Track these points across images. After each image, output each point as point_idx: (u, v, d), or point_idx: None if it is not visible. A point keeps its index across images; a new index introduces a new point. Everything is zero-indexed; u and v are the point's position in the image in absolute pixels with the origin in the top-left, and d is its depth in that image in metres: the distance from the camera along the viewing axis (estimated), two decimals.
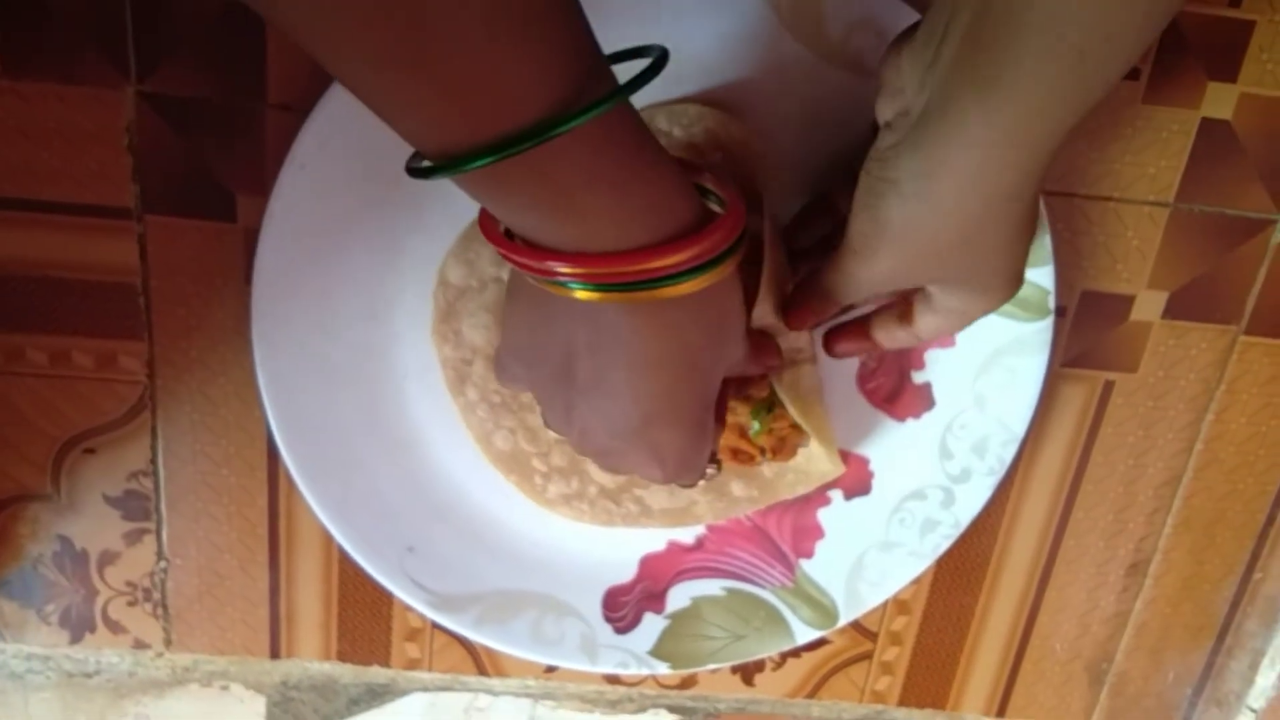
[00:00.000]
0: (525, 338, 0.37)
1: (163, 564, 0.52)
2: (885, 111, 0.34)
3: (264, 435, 0.49)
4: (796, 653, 0.56)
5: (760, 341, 0.41)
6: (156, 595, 0.52)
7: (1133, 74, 0.45)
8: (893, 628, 0.56)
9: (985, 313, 0.38)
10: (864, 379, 0.49)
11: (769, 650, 0.52)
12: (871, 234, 0.35)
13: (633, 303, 0.32)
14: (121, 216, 0.45)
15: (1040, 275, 0.46)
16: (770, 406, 0.44)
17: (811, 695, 0.57)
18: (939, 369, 0.49)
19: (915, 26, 0.33)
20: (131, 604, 0.52)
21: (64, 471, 0.49)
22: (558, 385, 0.36)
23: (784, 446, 0.45)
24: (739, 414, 0.44)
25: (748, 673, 0.56)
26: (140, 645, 0.53)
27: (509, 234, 0.32)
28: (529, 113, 0.26)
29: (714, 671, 0.56)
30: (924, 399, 0.49)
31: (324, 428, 0.47)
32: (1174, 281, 0.50)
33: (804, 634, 0.51)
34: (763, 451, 0.45)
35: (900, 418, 0.50)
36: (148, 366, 0.48)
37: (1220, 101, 0.46)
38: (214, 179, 0.45)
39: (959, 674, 0.57)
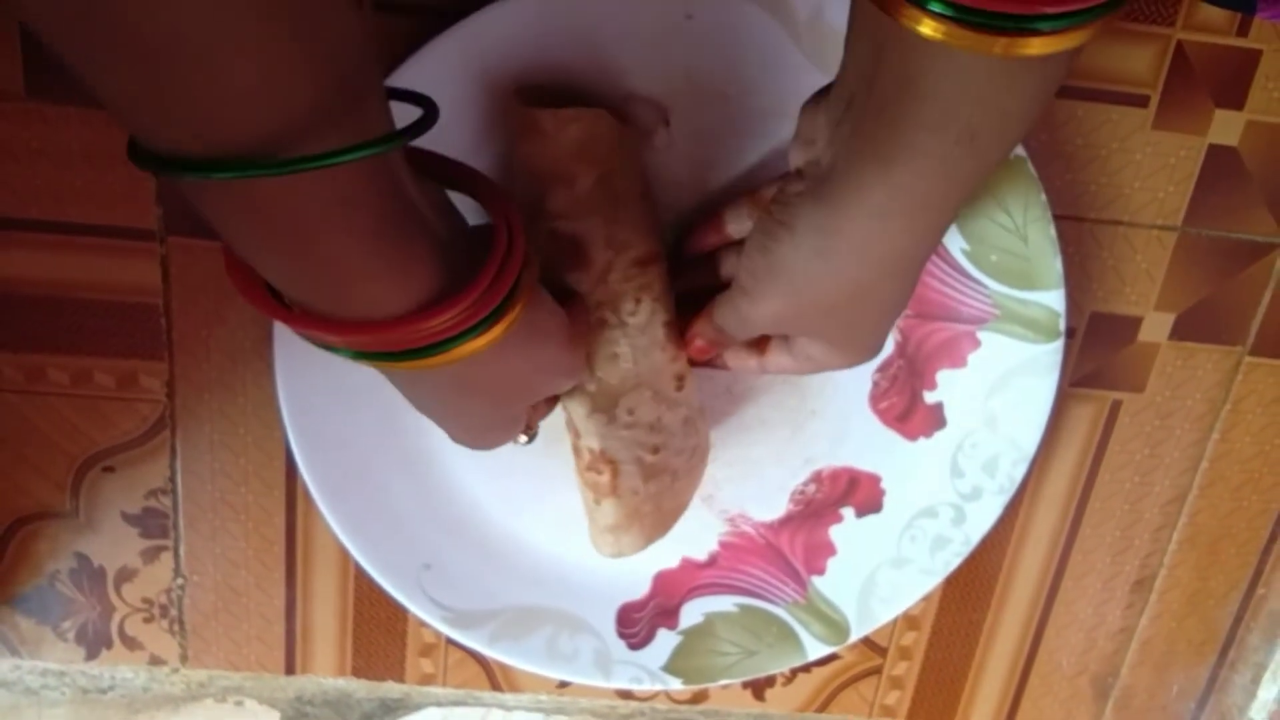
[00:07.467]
0: None
1: (180, 581, 0.52)
2: (797, 159, 0.35)
3: (282, 454, 0.50)
4: (807, 668, 0.56)
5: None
6: (173, 612, 0.53)
7: (1142, 101, 0.46)
8: (902, 643, 0.56)
9: (836, 369, 0.40)
10: (876, 399, 0.50)
11: (781, 666, 0.52)
12: (763, 275, 0.36)
13: (416, 370, 0.30)
14: (144, 238, 0.45)
15: (1052, 299, 0.46)
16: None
17: (821, 709, 0.58)
18: (951, 389, 0.49)
19: (833, 84, 0.33)
20: (148, 620, 0.53)
21: (83, 489, 0.50)
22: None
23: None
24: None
25: (758, 687, 0.57)
26: (156, 661, 0.54)
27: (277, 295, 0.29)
28: (279, 126, 0.22)
29: (725, 686, 0.56)
30: (935, 419, 0.50)
31: (342, 446, 0.47)
32: (1181, 304, 0.50)
33: (815, 650, 0.52)
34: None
35: (912, 437, 0.50)
36: (168, 386, 0.48)
37: (1227, 129, 0.47)
38: None
39: (967, 688, 0.58)
